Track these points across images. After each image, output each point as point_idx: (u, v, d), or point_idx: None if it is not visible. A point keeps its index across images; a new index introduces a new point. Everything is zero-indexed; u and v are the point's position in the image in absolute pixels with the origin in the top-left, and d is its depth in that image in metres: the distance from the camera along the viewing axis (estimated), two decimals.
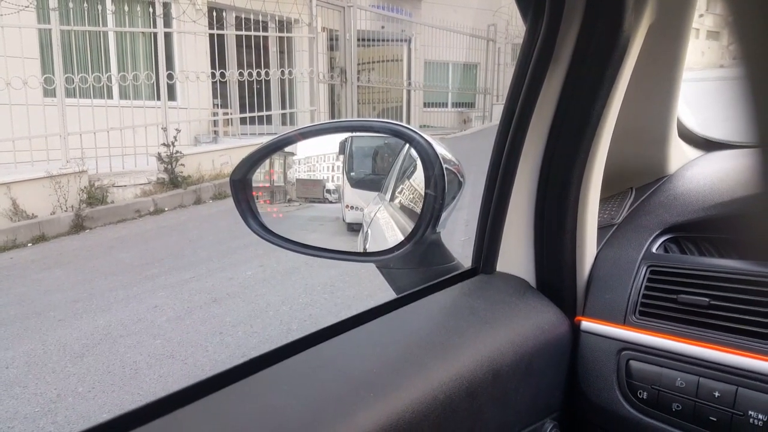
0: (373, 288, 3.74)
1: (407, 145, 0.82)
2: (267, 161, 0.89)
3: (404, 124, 0.81)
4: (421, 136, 0.78)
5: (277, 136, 0.85)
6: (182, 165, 6.86)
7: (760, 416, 0.56)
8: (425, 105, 13.11)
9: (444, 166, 0.76)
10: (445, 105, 13.83)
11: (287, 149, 0.88)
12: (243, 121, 8.72)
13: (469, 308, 0.67)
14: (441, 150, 0.78)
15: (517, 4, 0.69)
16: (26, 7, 6.11)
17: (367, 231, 0.91)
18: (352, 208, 0.89)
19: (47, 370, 2.96)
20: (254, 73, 7.90)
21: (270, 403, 0.46)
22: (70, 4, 6.38)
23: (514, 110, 0.72)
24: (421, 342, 0.58)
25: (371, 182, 0.91)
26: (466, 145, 9.70)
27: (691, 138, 0.98)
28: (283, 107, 9.43)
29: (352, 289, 3.85)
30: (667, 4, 0.68)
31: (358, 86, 9.92)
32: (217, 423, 0.43)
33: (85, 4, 6.63)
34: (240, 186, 0.86)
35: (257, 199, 0.87)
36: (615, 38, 0.62)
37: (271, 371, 0.50)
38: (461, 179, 0.82)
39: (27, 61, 6.23)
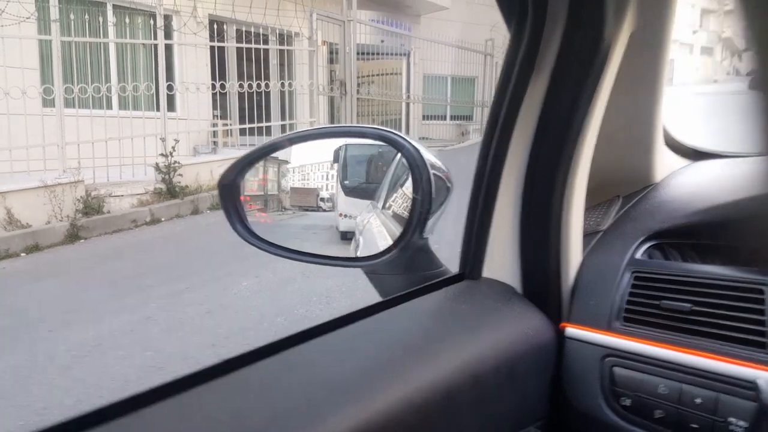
0: (369, 299, 3.71)
1: (400, 154, 0.82)
2: (260, 168, 0.89)
3: (393, 130, 0.81)
4: (409, 143, 0.78)
5: (265, 141, 0.85)
6: (180, 175, 6.86)
7: (741, 423, 0.55)
8: (424, 117, 13.18)
9: (432, 172, 0.76)
10: (443, 118, 13.89)
11: (282, 158, 0.89)
12: (243, 132, 8.75)
13: (452, 313, 0.67)
14: (429, 156, 0.78)
15: (500, 11, 0.70)
16: (27, 18, 6.15)
17: (359, 238, 0.91)
18: (345, 216, 0.88)
19: (33, 382, 2.92)
20: (254, 85, 7.94)
21: (237, 407, 0.45)
22: (72, 16, 6.43)
23: (499, 116, 0.72)
24: (400, 346, 0.58)
25: (365, 191, 0.91)
26: (463, 157, 9.73)
27: (678, 147, 0.98)
28: (283, 119, 9.46)
29: (347, 300, 3.84)
30: (647, 15, 0.69)
31: (357, 99, 9.98)
32: (179, 426, 0.43)
33: (87, 16, 6.69)
34: (228, 190, 0.86)
35: (246, 204, 0.87)
36: (596, 46, 0.63)
37: (244, 372, 0.49)
38: (449, 185, 0.82)
39: (26, 71, 6.26)
